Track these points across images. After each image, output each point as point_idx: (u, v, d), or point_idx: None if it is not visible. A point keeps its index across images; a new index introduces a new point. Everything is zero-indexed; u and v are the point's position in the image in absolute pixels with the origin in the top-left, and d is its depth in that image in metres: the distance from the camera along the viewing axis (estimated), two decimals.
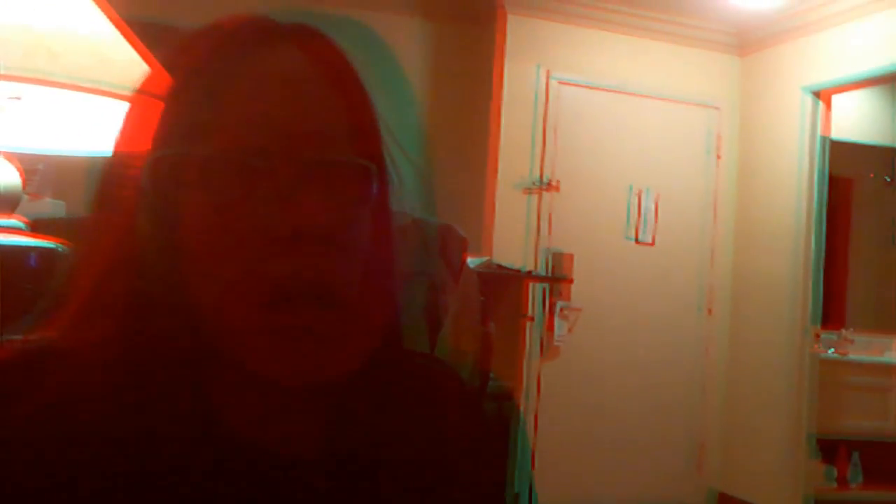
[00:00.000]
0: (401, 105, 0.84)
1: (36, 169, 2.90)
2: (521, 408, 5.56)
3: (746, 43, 6.05)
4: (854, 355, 6.30)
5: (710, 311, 6.06)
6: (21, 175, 1.77)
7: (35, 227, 1.78)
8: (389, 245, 0.77)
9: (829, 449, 6.01)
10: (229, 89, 0.71)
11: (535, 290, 5.66)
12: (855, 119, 6.51)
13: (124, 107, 0.79)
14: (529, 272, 5.52)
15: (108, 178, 0.76)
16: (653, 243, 5.90)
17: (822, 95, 5.61)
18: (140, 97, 0.77)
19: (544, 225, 5.66)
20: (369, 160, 0.73)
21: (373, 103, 0.76)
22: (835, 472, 6.10)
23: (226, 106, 0.70)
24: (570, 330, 5.68)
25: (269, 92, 0.71)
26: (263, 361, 0.70)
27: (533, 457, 5.55)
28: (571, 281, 5.64)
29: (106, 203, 0.75)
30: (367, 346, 0.75)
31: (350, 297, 0.71)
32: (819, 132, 5.60)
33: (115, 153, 0.76)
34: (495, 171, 5.62)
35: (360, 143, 0.73)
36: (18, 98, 1.72)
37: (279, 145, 0.69)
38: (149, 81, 0.78)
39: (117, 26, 1.70)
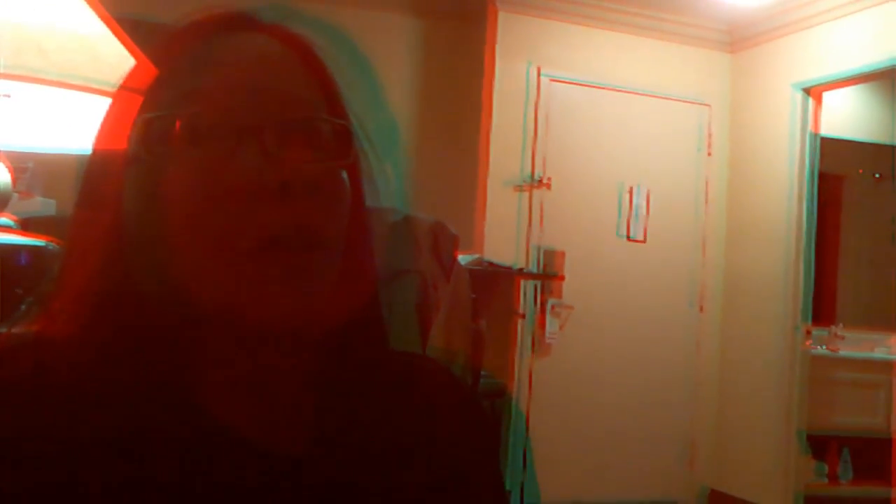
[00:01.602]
0: (373, 106, 0.87)
1: (26, 167, 2.90)
2: (513, 404, 5.57)
3: (737, 40, 6.06)
4: (844, 352, 6.31)
5: (701, 308, 6.07)
6: (11, 173, 1.76)
7: (25, 225, 1.78)
8: (362, 199, 0.81)
9: (820, 445, 6.03)
10: (207, 64, 0.75)
11: (526, 288, 5.65)
12: (845, 116, 6.52)
13: (107, 102, 0.81)
14: (521, 269, 5.52)
15: (90, 174, 0.77)
16: (644, 240, 5.91)
17: (813, 92, 5.62)
18: (122, 93, 0.79)
19: (535, 222, 5.66)
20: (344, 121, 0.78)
21: (337, 83, 0.80)
22: (825, 468, 6.12)
23: (206, 77, 0.74)
24: (561, 327, 5.69)
25: (245, 65, 0.75)
26: (254, 306, 0.71)
27: (524, 453, 5.56)
28: (563, 278, 5.64)
29: (90, 199, 0.76)
30: (352, 295, 0.78)
31: (336, 240, 0.74)
32: (809, 129, 5.61)
33: (97, 149, 0.78)
34: (486, 168, 5.62)
35: (332, 108, 0.78)
36: (8, 96, 1.71)
37: (261, 107, 0.73)
38: (131, 77, 0.80)
39: (107, 24, 1.69)
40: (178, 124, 0.71)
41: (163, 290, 0.72)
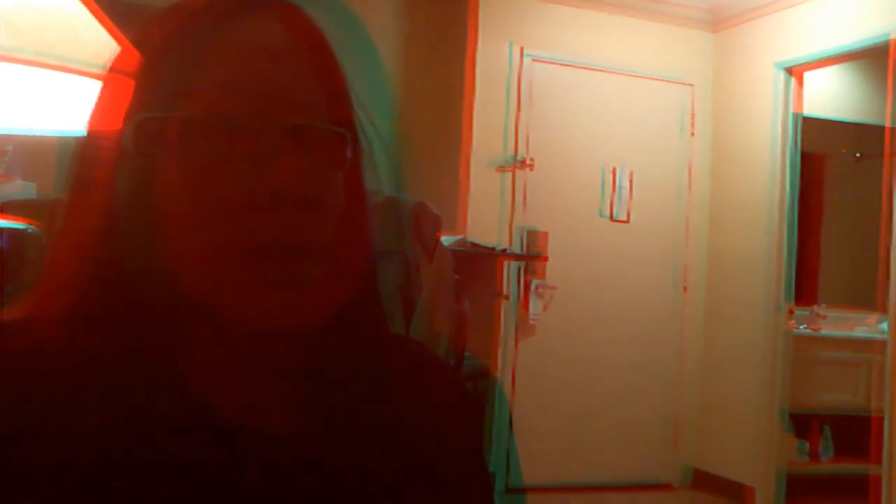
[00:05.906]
0: (372, 80, 0.85)
1: (5, 150, 2.87)
2: (497, 386, 5.58)
3: (720, 19, 6.06)
4: (826, 331, 6.36)
5: (685, 288, 6.09)
6: None
7: (5, 208, 1.76)
8: (363, 203, 0.80)
9: (802, 423, 6.07)
10: (207, 56, 0.72)
11: (509, 269, 5.66)
12: (827, 96, 6.54)
13: (94, 85, 0.80)
14: (504, 250, 5.52)
15: (82, 158, 0.76)
16: (627, 220, 5.92)
17: (795, 72, 5.63)
18: (112, 75, 0.78)
19: (518, 203, 5.66)
20: (344, 127, 0.76)
21: (344, 72, 0.78)
22: (807, 447, 6.17)
23: (204, 72, 0.72)
24: (545, 308, 5.70)
25: (246, 59, 0.73)
26: (238, 309, 0.71)
27: (508, 435, 5.57)
28: (546, 259, 5.65)
29: (80, 183, 0.76)
30: (341, 297, 0.77)
31: (324, 252, 0.74)
32: (791, 109, 5.63)
33: (89, 132, 0.77)
34: (469, 148, 5.61)
35: (334, 111, 0.76)
36: None
37: (258, 110, 0.71)
38: (120, 59, 0.78)
39: (84, 3, 1.67)
40: (172, 127, 0.70)
41: (152, 277, 0.72)
